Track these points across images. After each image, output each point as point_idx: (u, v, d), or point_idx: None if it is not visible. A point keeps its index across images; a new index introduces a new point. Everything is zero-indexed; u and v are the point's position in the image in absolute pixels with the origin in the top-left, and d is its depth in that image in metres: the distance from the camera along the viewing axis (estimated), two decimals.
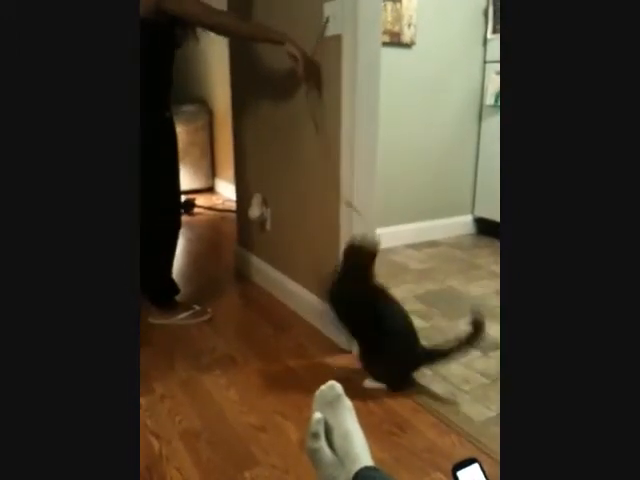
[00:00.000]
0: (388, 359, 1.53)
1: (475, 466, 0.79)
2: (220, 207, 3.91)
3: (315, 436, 0.94)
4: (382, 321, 1.52)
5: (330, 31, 1.65)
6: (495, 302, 2.21)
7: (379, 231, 1.86)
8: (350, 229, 1.70)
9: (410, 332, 1.54)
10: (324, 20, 1.65)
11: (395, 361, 1.53)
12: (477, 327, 1.45)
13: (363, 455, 0.92)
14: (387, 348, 1.52)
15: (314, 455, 0.94)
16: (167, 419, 1.42)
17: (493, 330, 1.95)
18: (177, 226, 2.00)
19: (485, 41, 2.98)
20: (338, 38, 1.62)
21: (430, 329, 1.93)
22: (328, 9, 1.64)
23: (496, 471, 1.18)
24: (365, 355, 1.58)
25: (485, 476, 0.78)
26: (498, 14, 2.87)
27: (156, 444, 1.32)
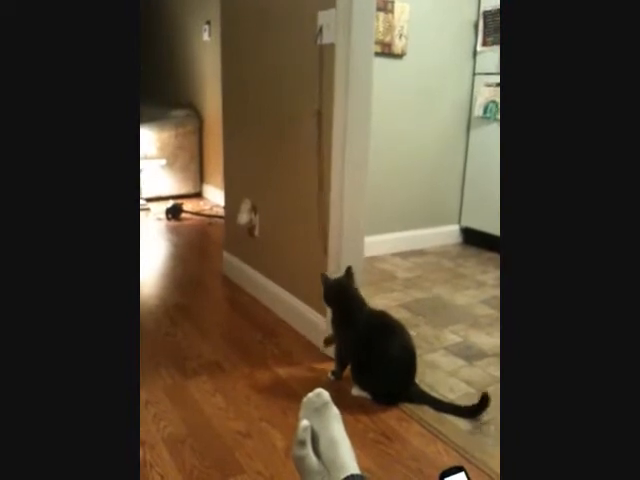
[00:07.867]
0: (377, 383, 1.53)
1: (461, 474, 0.79)
2: (208, 212, 3.89)
3: (302, 443, 0.94)
4: (380, 350, 1.51)
5: (324, 40, 1.66)
6: (481, 311, 2.22)
7: (367, 239, 1.87)
8: (340, 237, 1.71)
9: (406, 368, 1.54)
10: (318, 29, 1.67)
11: (384, 388, 1.53)
12: (483, 403, 1.44)
13: (349, 463, 0.92)
14: (379, 373, 1.52)
15: (300, 462, 0.94)
16: (152, 425, 1.41)
17: (478, 339, 1.96)
18: None
19: (475, 53, 3.02)
20: (331, 47, 1.63)
21: (416, 338, 1.93)
22: (322, 18, 1.65)
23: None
24: (356, 371, 1.58)
25: None
26: (488, 28, 2.91)
27: (140, 450, 1.30)
